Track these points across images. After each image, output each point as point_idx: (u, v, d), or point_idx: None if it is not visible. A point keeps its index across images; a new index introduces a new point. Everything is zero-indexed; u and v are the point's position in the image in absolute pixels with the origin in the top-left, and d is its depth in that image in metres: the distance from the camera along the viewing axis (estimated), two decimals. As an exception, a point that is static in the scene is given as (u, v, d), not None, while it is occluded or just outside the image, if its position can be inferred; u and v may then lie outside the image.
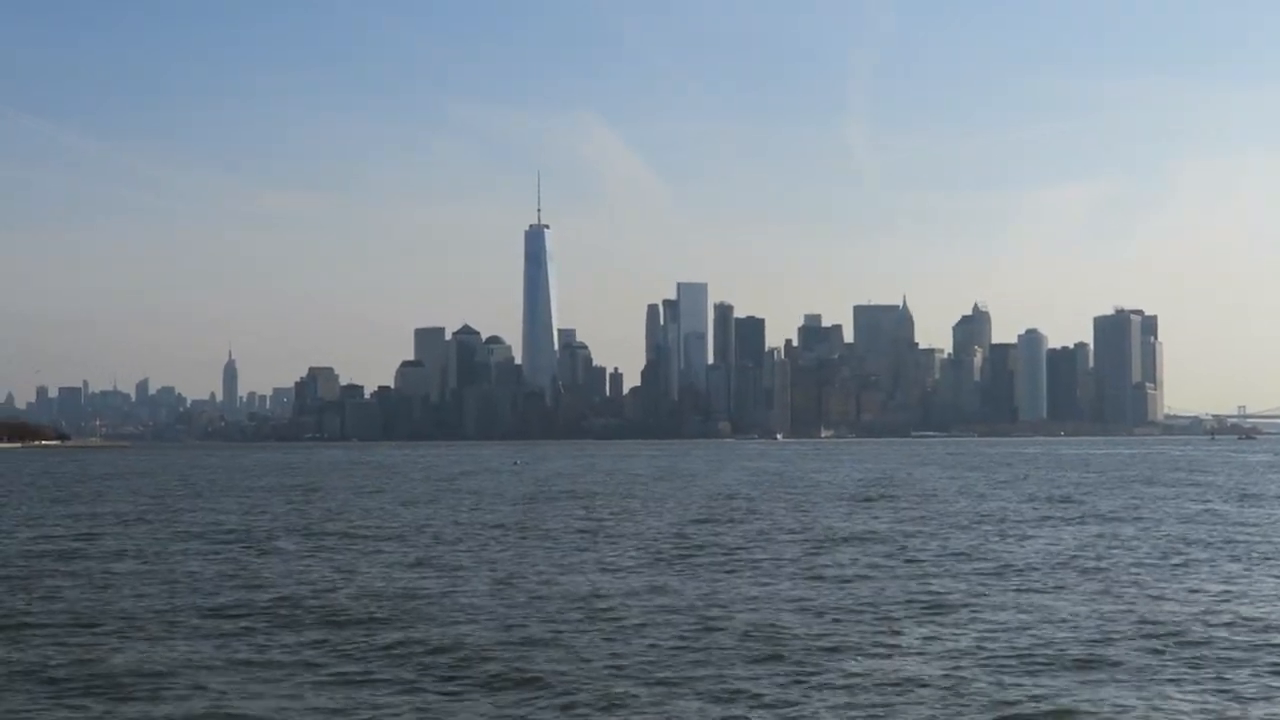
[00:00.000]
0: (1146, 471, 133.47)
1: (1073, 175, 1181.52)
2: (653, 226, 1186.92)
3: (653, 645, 26.38)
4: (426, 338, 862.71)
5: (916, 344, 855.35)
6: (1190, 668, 23.95)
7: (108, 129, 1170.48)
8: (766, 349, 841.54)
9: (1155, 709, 20.88)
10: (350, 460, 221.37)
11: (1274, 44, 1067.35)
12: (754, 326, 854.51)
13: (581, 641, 26.86)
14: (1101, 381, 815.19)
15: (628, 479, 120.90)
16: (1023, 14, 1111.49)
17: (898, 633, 27.63)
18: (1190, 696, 21.70)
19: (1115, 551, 45.03)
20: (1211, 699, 21.55)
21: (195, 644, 26.88)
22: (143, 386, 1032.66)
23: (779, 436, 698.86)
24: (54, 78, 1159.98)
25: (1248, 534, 52.29)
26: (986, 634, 27.49)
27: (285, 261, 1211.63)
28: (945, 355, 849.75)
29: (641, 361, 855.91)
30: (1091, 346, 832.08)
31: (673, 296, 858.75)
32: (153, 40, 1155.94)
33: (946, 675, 23.19)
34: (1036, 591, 34.26)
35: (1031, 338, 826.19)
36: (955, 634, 27.61)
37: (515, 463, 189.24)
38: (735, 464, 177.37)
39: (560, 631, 28.13)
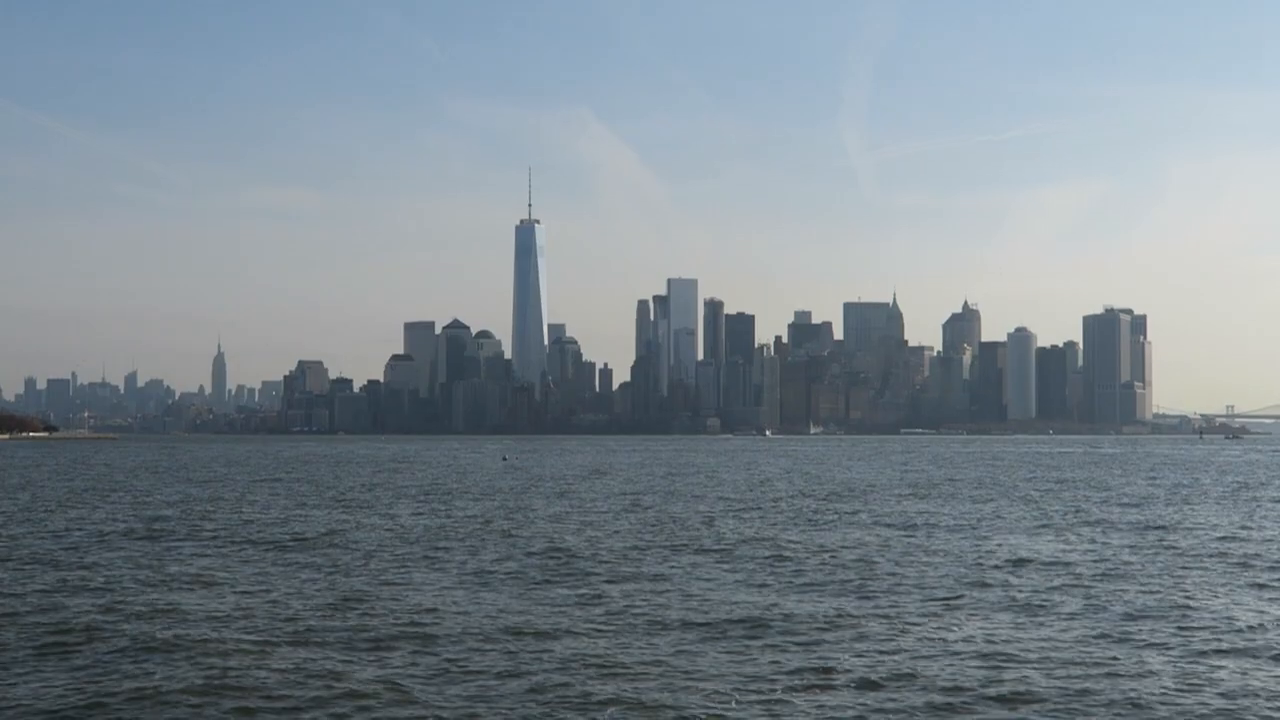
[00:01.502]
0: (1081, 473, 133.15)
1: (1064, 176, 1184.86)
2: (644, 222, 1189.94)
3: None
4: (416, 332, 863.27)
5: (906, 342, 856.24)
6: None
7: (100, 122, 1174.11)
8: (756, 345, 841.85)
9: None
10: (314, 454, 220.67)
11: (1265, 48, 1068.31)
12: (744, 323, 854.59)
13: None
14: (1090, 380, 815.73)
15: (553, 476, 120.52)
16: (1017, 17, 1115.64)
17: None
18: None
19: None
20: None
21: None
22: (131, 379, 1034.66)
23: (768, 433, 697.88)
24: (47, 71, 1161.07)
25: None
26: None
27: (275, 255, 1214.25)
28: (935, 353, 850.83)
29: (631, 357, 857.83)
30: (1081, 345, 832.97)
31: (663, 292, 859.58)
32: (144, 34, 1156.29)
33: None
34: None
35: (1021, 336, 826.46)
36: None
37: (504, 458, 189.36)
38: (685, 459, 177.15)
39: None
